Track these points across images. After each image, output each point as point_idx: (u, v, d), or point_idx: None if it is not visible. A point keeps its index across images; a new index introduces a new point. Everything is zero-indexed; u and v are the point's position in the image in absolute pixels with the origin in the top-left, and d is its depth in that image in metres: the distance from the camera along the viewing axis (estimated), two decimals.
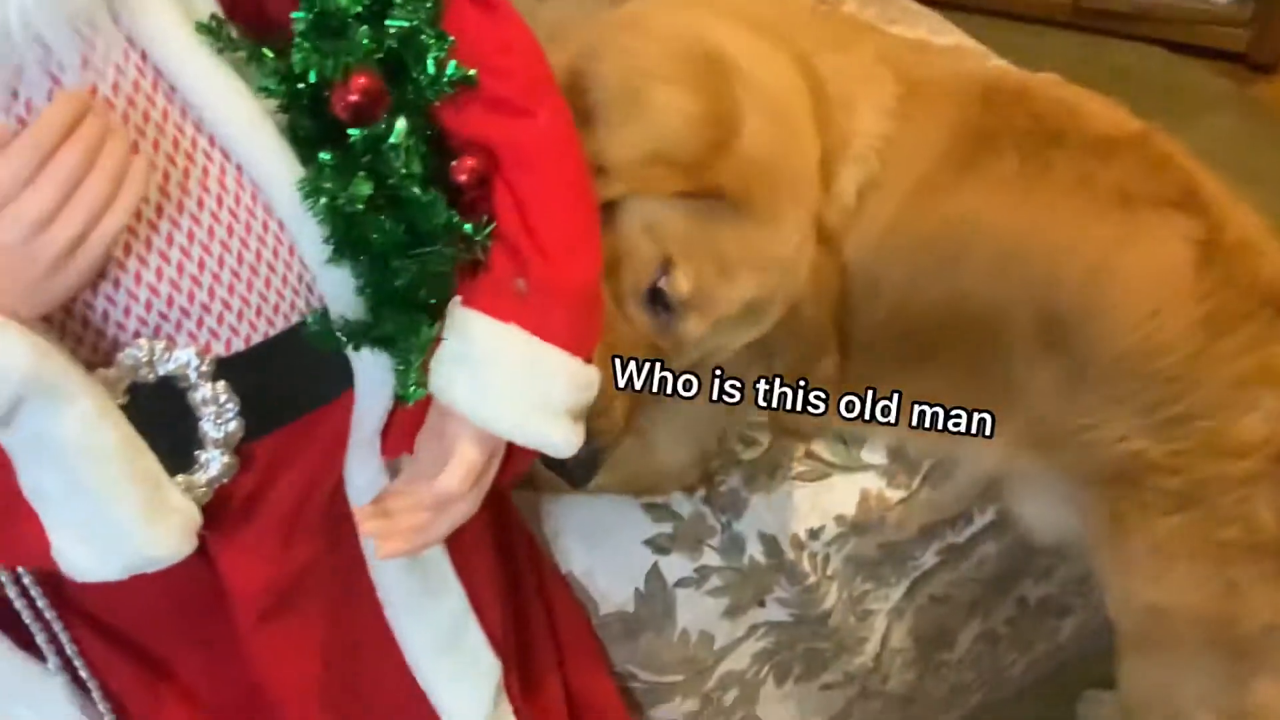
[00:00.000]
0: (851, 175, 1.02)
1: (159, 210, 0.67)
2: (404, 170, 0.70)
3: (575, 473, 0.93)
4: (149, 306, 0.69)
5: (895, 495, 1.25)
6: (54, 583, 0.76)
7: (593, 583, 1.15)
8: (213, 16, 0.67)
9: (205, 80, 0.67)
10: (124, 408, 0.68)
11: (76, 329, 0.68)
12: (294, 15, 0.68)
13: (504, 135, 0.74)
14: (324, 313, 0.73)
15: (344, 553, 0.82)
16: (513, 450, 0.80)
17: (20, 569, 0.75)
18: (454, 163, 0.73)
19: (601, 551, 1.16)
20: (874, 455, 1.24)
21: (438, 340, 0.75)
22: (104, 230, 0.63)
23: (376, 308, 0.73)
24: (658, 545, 1.18)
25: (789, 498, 1.22)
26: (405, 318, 0.74)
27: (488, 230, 0.74)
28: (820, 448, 1.23)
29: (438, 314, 0.76)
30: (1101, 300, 1.04)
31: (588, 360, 0.78)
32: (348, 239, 0.71)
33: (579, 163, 0.78)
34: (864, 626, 1.31)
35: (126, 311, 0.68)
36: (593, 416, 0.84)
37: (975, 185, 1.04)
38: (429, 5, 0.70)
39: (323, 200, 0.69)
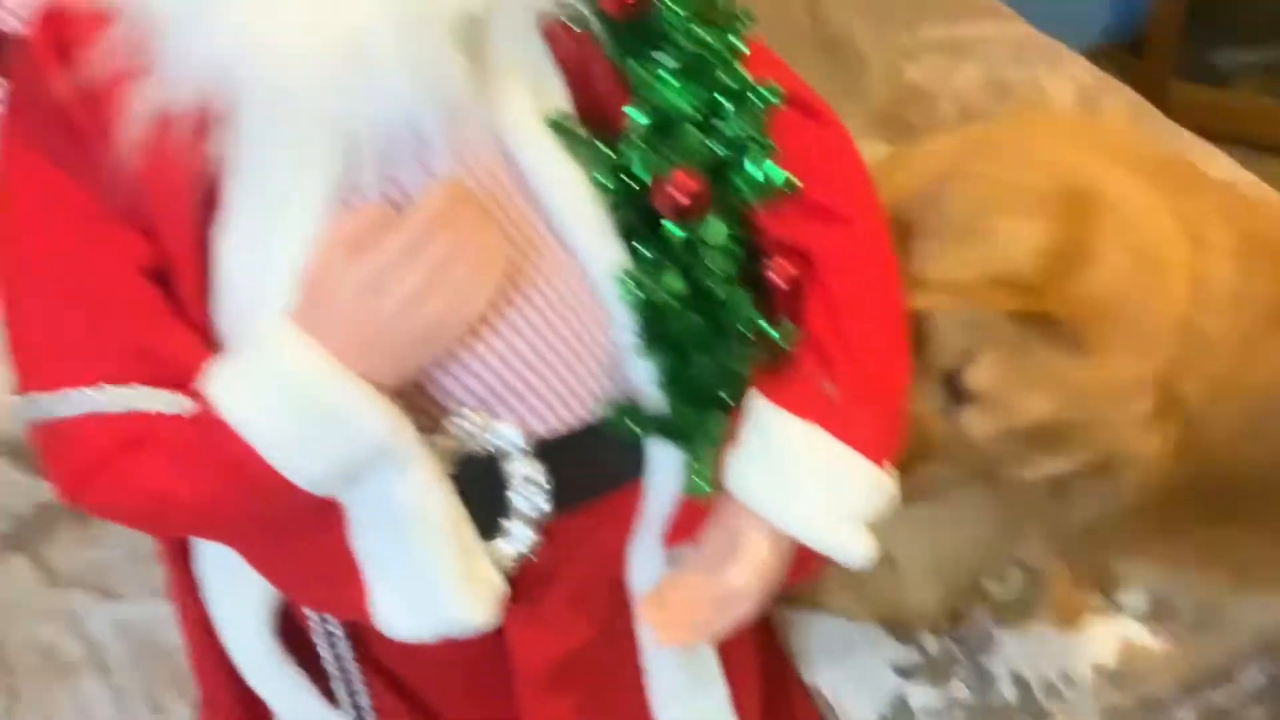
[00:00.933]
0: (1213, 325, 0.98)
1: (503, 292, 0.71)
2: (716, 270, 0.72)
3: None
4: (483, 382, 0.71)
5: (1158, 645, 1.20)
6: (358, 634, 0.79)
7: (837, 700, 1.13)
8: (561, 112, 0.71)
9: (551, 171, 0.70)
10: (453, 478, 0.71)
11: (412, 394, 0.71)
12: (628, 111, 0.71)
13: (820, 240, 0.75)
14: (629, 404, 0.75)
15: (617, 642, 0.83)
16: (800, 556, 0.80)
17: (330, 624, 0.78)
18: (769, 264, 0.75)
19: (846, 670, 1.14)
20: (1134, 600, 1.19)
21: (729, 439, 0.76)
22: (466, 311, 0.66)
23: (674, 401, 0.75)
24: (902, 670, 1.16)
25: (1041, 639, 1.18)
26: (700, 413, 0.75)
27: (791, 333, 0.75)
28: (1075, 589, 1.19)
29: (731, 413, 0.77)
30: None
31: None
32: (656, 332, 0.73)
33: (893, 272, 0.78)
34: None
35: (465, 387, 0.71)
36: None
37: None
38: (759, 112, 0.73)
39: (637, 292, 0.72)
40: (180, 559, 0.80)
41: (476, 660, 0.82)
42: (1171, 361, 0.93)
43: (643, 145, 0.70)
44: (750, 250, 0.76)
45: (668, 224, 0.72)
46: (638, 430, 0.75)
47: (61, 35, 0.65)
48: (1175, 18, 2.47)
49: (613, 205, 0.72)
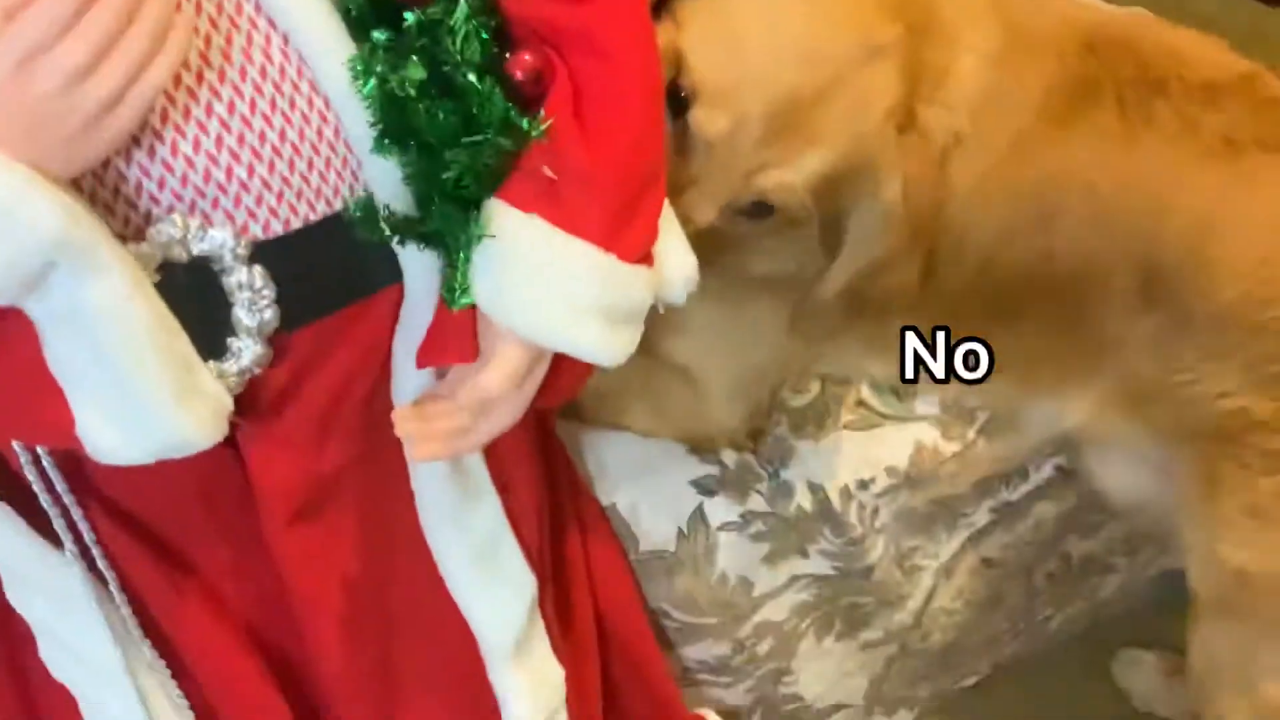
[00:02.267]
0: (940, 120, 0.96)
1: (199, 77, 0.63)
2: (461, 56, 0.65)
3: None
4: (185, 180, 0.65)
5: (950, 448, 1.20)
6: (75, 467, 0.72)
7: (636, 519, 1.11)
8: None
9: None
10: (156, 287, 0.64)
11: (108, 198, 0.64)
12: None
13: (569, 20, 0.70)
14: (368, 200, 0.69)
15: (383, 460, 0.79)
16: (562, 366, 0.76)
17: (41, 451, 0.71)
18: (509, 57, 0.69)
19: (646, 489, 1.12)
20: (927, 406, 1.19)
21: None
22: (143, 87, 0.58)
23: (424, 201, 0.69)
24: (704, 487, 1.14)
25: (837, 447, 1.17)
26: (453, 213, 0.69)
27: (545, 125, 0.69)
28: (871, 397, 1.19)
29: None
30: (1206, 250, 1.01)
31: (638, 260, 0.73)
32: (397, 126, 0.66)
33: (645, 50, 0.73)
34: (908, 583, 1.27)
35: (161, 184, 0.64)
36: None
37: (1074, 140, 1.01)
38: None
39: (372, 82, 0.65)
40: None
41: (218, 491, 0.77)
42: (906, 52, 0.91)
43: None
44: (510, 45, 0.70)
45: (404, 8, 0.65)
46: (388, 233, 0.69)
47: None
48: None
49: None
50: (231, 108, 0.65)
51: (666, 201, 0.79)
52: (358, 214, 0.69)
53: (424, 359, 0.75)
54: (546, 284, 0.70)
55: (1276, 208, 1.02)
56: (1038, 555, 1.36)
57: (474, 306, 0.71)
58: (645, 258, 0.74)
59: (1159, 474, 1.15)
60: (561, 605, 0.97)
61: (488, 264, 0.70)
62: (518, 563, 0.87)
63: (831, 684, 1.31)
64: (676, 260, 0.79)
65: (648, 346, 1.04)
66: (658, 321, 1.00)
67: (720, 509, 1.14)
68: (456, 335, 0.72)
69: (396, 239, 0.70)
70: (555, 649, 0.92)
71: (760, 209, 0.92)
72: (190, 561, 0.80)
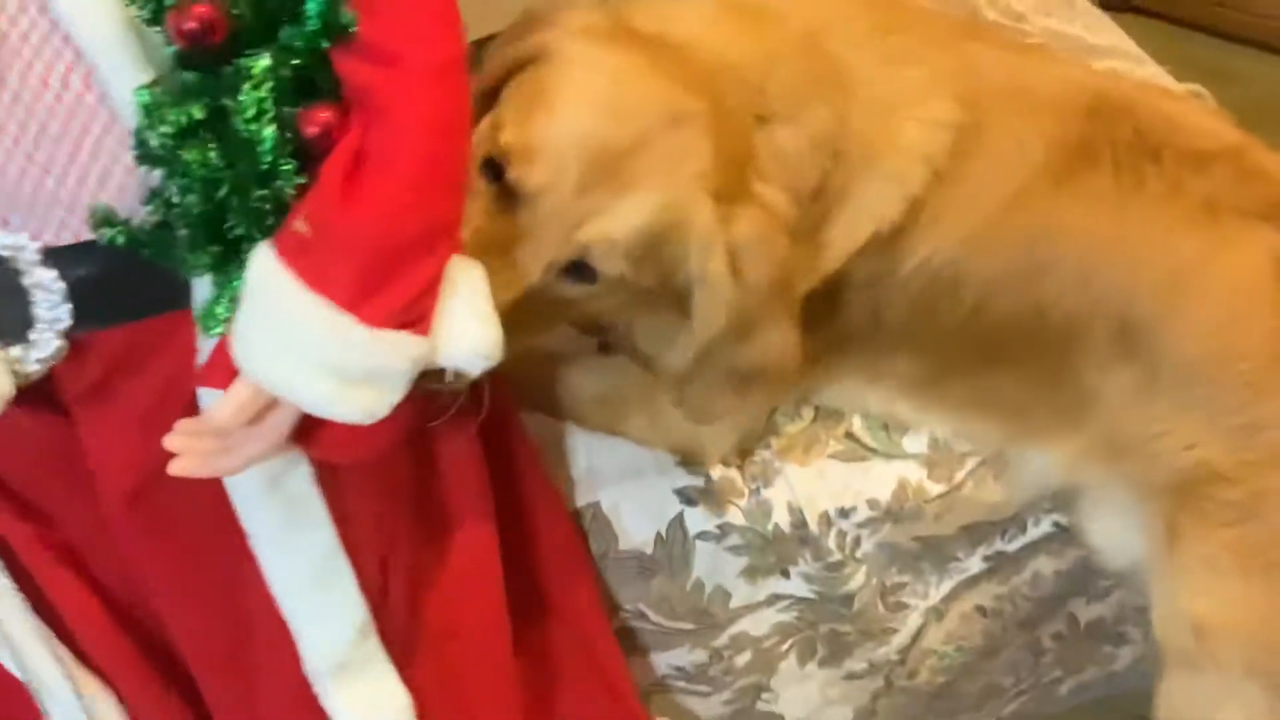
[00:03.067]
0: (883, 190, 1.02)
1: None
2: (248, 105, 0.69)
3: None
4: None
5: (935, 489, 1.23)
6: None
7: (617, 518, 1.19)
8: None
9: None
10: None
11: None
12: None
13: (365, 78, 0.71)
14: (106, 211, 0.73)
15: None
16: (331, 425, 0.77)
17: None
18: (302, 111, 0.71)
19: (630, 490, 1.19)
20: (915, 444, 1.23)
21: None
22: None
23: (176, 226, 0.72)
24: (686, 496, 1.21)
25: (821, 474, 1.22)
26: (196, 242, 0.72)
27: (297, 179, 0.71)
28: (861, 431, 1.23)
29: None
30: (1179, 305, 1.06)
31: (391, 325, 0.73)
32: (156, 154, 0.70)
33: (440, 116, 0.73)
34: (894, 618, 1.30)
35: None
36: None
37: (1069, 199, 1.06)
38: None
39: (144, 111, 0.69)
40: None
41: (66, 461, 0.84)
42: (727, 126, 0.94)
43: None
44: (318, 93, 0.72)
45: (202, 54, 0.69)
46: (121, 240, 0.73)
47: None
48: None
49: (150, 24, 0.69)
50: (22, 127, 0.70)
51: (476, 270, 0.79)
52: (95, 221, 0.73)
53: (194, 378, 0.78)
54: (282, 333, 0.72)
55: (1245, 271, 1.05)
56: (1039, 612, 1.36)
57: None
58: (408, 324, 0.74)
59: (1141, 532, 1.15)
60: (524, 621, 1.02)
61: (244, 301, 0.73)
62: (350, 592, 0.89)
63: (814, 709, 1.34)
64: (464, 332, 0.78)
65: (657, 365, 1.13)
66: (663, 342, 1.09)
67: (699, 518, 1.20)
68: (220, 362, 0.75)
69: (142, 252, 0.73)
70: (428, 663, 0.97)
71: (583, 270, 0.93)
72: (57, 524, 0.88)
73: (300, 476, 0.85)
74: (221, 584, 0.90)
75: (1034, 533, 1.29)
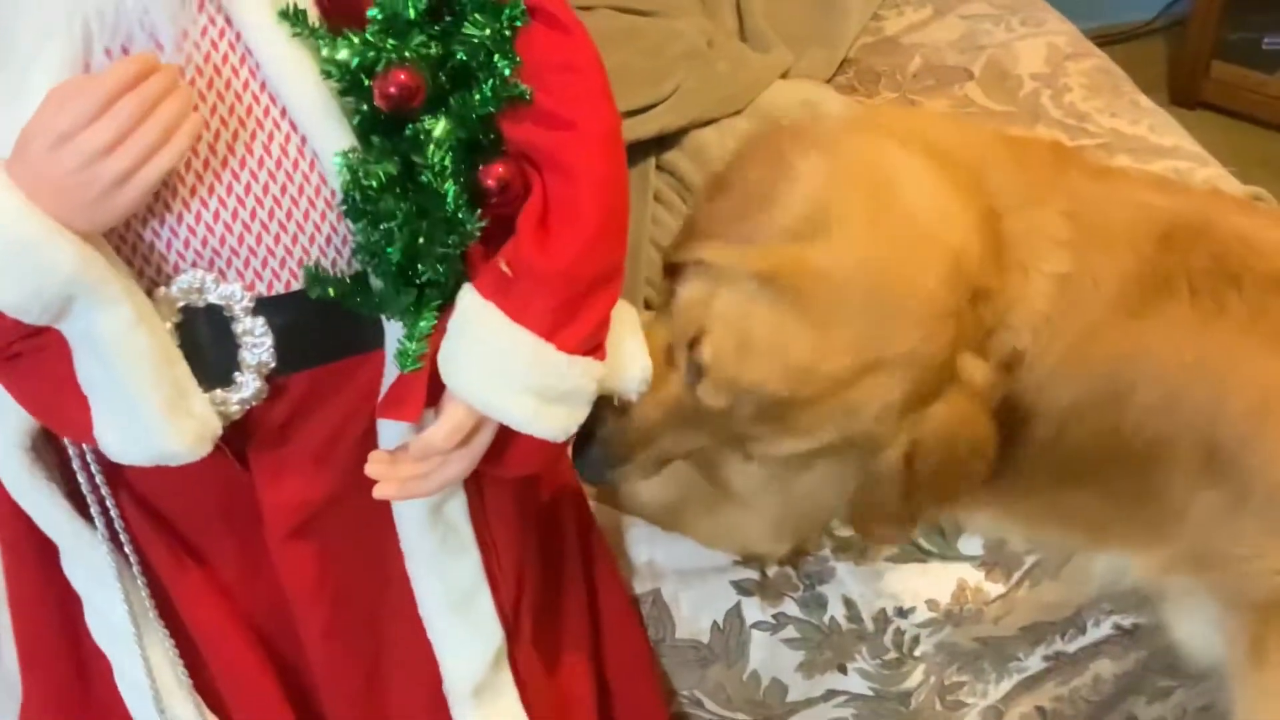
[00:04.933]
0: (998, 345, 1.03)
1: (224, 162, 0.79)
2: (433, 162, 0.79)
3: (585, 468, 1.00)
4: (204, 242, 0.80)
5: (994, 590, 1.23)
6: (112, 463, 0.86)
7: (676, 606, 1.21)
8: (294, 5, 0.77)
9: (282, 59, 0.77)
10: (178, 326, 0.81)
11: (143, 250, 0.80)
12: (369, 13, 0.78)
13: (546, 142, 0.82)
14: (315, 268, 0.82)
15: (369, 503, 0.90)
16: (519, 441, 0.86)
17: (86, 447, 0.87)
18: (483, 167, 0.82)
19: (688, 579, 1.21)
20: (971, 547, 1.23)
21: (443, 319, 0.83)
22: (149, 170, 0.74)
23: (377, 273, 0.82)
24: (743, 588, 1.22)
25: (878, 574, 1.22)
26: (395, 286, 0.82)
27: (475, 224, 0.81)
28: (917, 535, 1.23)
29: (440, 294, 0.84)
30: (1265, 432, 1.05)
31: (580, 351, 0.83)
32: (361, 208, 0.79)
33: (607, 176, 0.83)
34: (953, 716, 1.30)
35: (185, 244, 0.80)
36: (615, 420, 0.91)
37: (1147, 328, 1.06)
38: (503, 27, 0.79)
39: (348, 170, 0.78)
40: None
41: (233, 503, 0.91)
42: (932, 347, 0.96)
43: (357, 40, 0.77)
44: (494, 153, 0.83)
45: (400, 116, 0.79)
46: (332, 294, 0.82)
47: None
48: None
49: (344, 95, 0.79)
50: (248, 189, 0.79)
51: (630, 308, 0.91)
52: (307, 277, 0.82)
53: (379, 412, 0.87)
54: (490, 361, 0.82)
55: None
56: (1098, 713, 1.35)
57: (422, 372, 0.83)
58: (590, 350, 0.85)
59: (1226, 641, 1.15)
60: (552, 662, 1.07)
61: (451, 336, 0.83)
62: (490, 617, 0.98)
63: None
64: (631, 359, 0.90)
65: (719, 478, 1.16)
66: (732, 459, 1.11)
67: (755, 609, 1.21)
68: (406, 397, 0.84)
69: (343, 301, 0.83)
70: (538, 701, 1.02)
71: None
72: (207, 561, 0.94)
73: (457, 506, 0.94)
74: (366, 617, 0.97)
75: (1094, 634, 1.29)
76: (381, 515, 0.93)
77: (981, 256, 0.99)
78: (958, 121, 1.18)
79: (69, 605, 0.96)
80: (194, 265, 0.81)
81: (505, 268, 0.82)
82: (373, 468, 0.86)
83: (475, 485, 0.95)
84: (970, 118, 1.60)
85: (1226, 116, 2.40)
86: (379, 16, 0.77)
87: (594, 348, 0.85)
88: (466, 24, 0.79)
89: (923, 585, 1.22)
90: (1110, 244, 1.06)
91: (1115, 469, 1.09)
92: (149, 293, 0.80)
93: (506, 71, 0.80)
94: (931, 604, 1.22)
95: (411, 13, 0.77)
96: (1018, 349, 1.04)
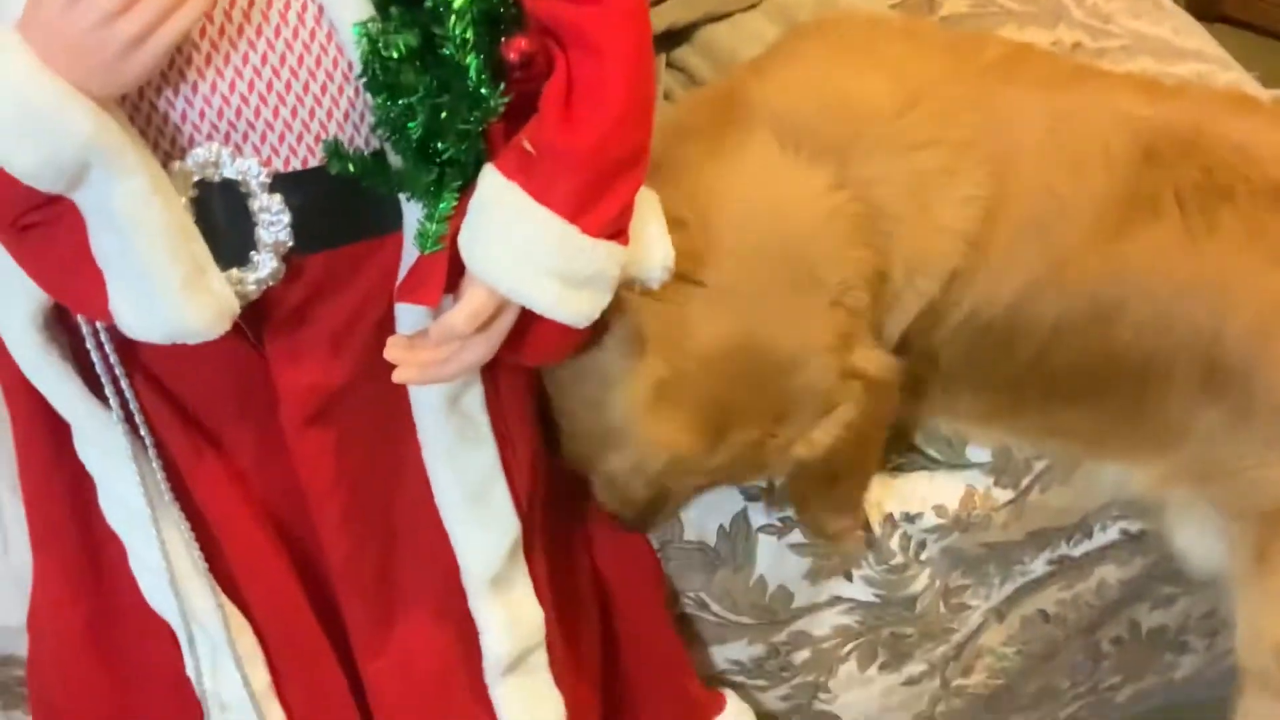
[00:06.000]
0: (923, 284, 1.01)
1: (239, 30, 0.77)
2: (454, 35, 0.76)
3: (627, 519, 1.04)
4: (220, 114, 0.79)
5: (1002, 496, 1.23)
6: (128, 344, 0.86)
7: (685, 510, 1.19)
8: None
9: None
10: (193, 201, 0.79)
11: (158, 122, 0.79)
12: None
13: (571, 16, 0.80)
14: (336, 142, 0.80)
15: (391, 389, 0.89)
16: (539, 327, 0.85)
17: (100, 325, 0.86)
18: (506, 41, 0.79)
19: None
20: (979, 455, 1.22)
21: (464, 200, 0.82)
22: (164, 32, 0.72)
23: (396, 150, 0.80)
24: (749, 494, 1.21)
25: (884, 481, 1.21)
26: (416, 164, 0.80)
27: (498, 98, 0.79)
28: (923, 443, 1.22)
29: (461, 174, 0.82)
30: (1268, 350, 1.03)
31: (604, 235, 0.82)
32: (384, 82, 0.78)
33: (635, 53, 0.82)
34: (955, 618, 1.30)
35: (201, 115, 0.78)
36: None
37: (1132, 251, 1.03)
38: None
39: (367, 41, 0.77)
40: None
41: (249, 388, 0.90)
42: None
43: None
44: (515, 26, 0.80)
45: None
46: (352, 169, 0.80)
47: None
48: None
49: None
50: (264, 59, 0.77)
51: (653, 194, 0.89)
52: (327, 152, 0.80)
53: (397, 296, 0.85)
54: (514, 242, 0.80)
55: None
56: (1101, 618, 1.36)
57: (441, 254, 0.82)
58: (614, 234, 0.83)
59: (1228, 549, 1.15)
60: (558, 565, 1.06)
61: (472, 217, 0.81)
62: (506, 507, 0.97)
63: (873, 714, 1.35)
64: (655, 245, 0.89)
65: None
66: None
67: (761, 513, 1.21)
68: (426, 280, 0.82)
69: (361, 178, 0.81)
70: (548, 608, 1.02)
71: None
72: (223, 446, 0.93)
73: (474, 397, 0.93)
74: (381, 507, 0.96)
75: (1100, 539, 1.29)
76: (399, 405, 0.92)
77: (841, 244, 0.98)
78: (915, 39, 1.12)
79: (81, 488, 0.95)
80: (209, 138, 0.79)
81: (529, 146, 0.80)
82: (391, 352, 0.85)
83: (492, 377, 0.94)
84: (983, 19, 1.55)
85: (1245, 30, 2.37)
86: None
87: (618, 232, 0.84)
88: None
89: (930, 491, 1.22)
90: (1078, 164, 1.02)
91: (1108, 387, 1.08)
92: (164, 166, 0.79)
93: None
94: (939, 510, 1.22)
95: None
96: (945, 270, 1.01)
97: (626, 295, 0.91)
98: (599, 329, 0.90)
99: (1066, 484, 1.23)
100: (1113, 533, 1.28)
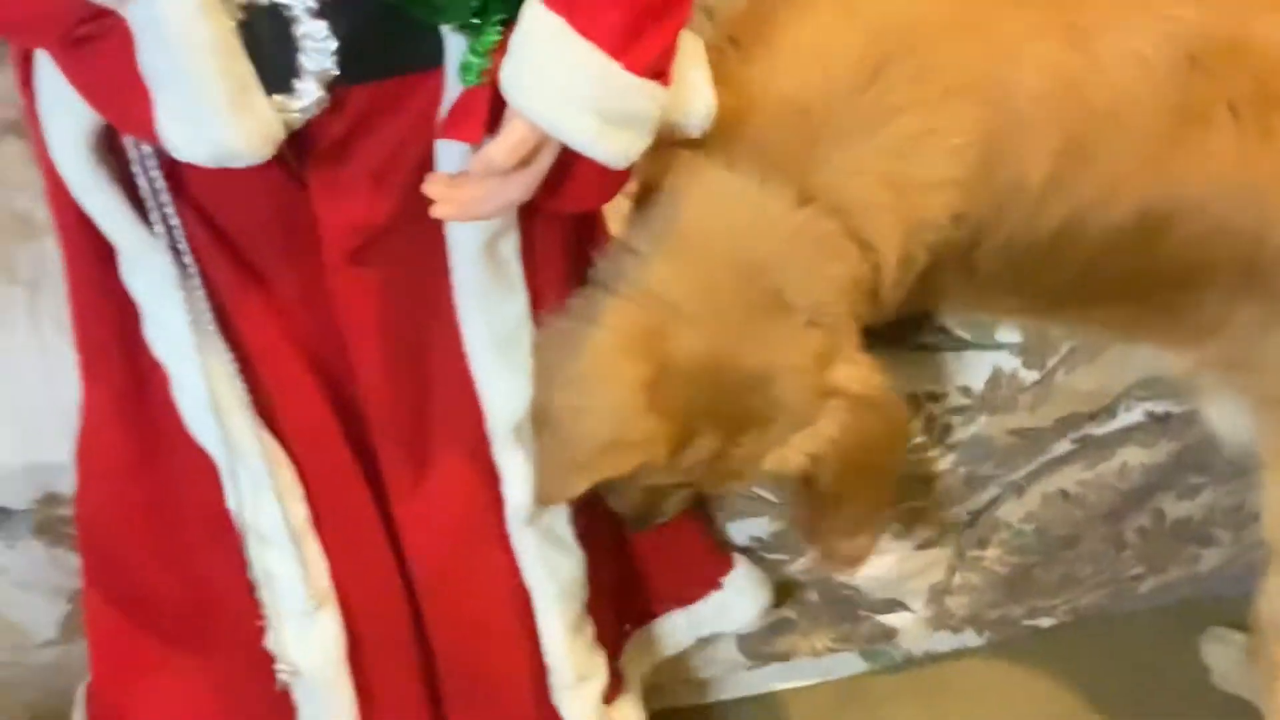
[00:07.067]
0: (928, 236, 0.99)
1: None
2: None
3: (627, 518, 1.06)
4: None
5: (1030, 376, 1.24)
6: (174, 172, 0.88)
7: None
8: None
9: None
10: (240, 25, 0.80)
11: None
12: None
13: None
14: None
15: (425, 227, 0.91)
16: (578, 171, 0.86)
17: (147, 150, 0.88)
18: None
19: None
20: (1009, 335, 1.22)
21: (506, 35, 0.82)
22: None
23: None
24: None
25: (909, 359, 1.21)
26: None
27: None
28: (953, 323, 1.22)
29: (504, 6, 0.82)
30: None
31: (646, 74, 0.81)
32: None
33: None
34: (972, 493, 1.32)
35: None
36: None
37: (1184, 164, 1.01)
38: None
39: None
40: (24, 66, 0.89)
41: (292, 223, 0.91)
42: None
43: None
44: None
45: None
46: None
47: None
48: None
49: None
50: None
51: (696, 39, 0.89)
52: None
53: (439, 132, 0.86)
54: (554, 75, 0.80)
55: None
56: (1124, 504, 1.37)
57: (484, 90, 0.82)
58: (656, 75, 0.82)
59: (1258, 433, 1.17)
60: None
61: (514, 49, 0.81)
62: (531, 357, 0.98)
63: (891, 583, 1.38)
64: (697, 89, 0.89)
65: None
66: None
67: None
68: (468, 115, 0.82)
69: (408, 8, 0.81)
70: None
71: None
72: (264, 277, 0.95)
73: (509, 243, 0.95)
74: (416, 350, 0.98)
75: (1125, 419, 1.29)
76: (436, 248, 0.94)
77: (808, 265, 0.96)
78: None
79: (127, 317, 0.97)
80: None
81: None
82: (431, 188, 0.85)
83: (527, 226, 0.95)
84: None
85: None
86: None
87: (659, 73, 0.83)
88: None
89: (956, 370, 1.23)
90: (1116, 81, 0.99)
91: (1150, 288, 1.09)
92: None
93: None
94: (964, 390, 1.23)
95: None
96: (955, 238, 0.99)
97: (609, 300, 0.93)
98: (582, 335, 0.93)
99: (1094, 363, 1.24)
100: (1137, 413, 1.29)
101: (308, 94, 0.84)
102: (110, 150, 0.90)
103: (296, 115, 0.84)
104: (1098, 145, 1.00)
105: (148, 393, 0.99)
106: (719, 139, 0.95)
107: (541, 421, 0.98)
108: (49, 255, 1.12)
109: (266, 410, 0.99)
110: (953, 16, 1.00)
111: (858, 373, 0.99)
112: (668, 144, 0.92)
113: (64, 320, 1.03)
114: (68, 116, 0.88)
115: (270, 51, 0.82)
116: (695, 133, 0.92)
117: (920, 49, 0.97)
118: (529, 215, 0.94)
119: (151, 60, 0.79)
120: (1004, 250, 1.03)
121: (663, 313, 0.95)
